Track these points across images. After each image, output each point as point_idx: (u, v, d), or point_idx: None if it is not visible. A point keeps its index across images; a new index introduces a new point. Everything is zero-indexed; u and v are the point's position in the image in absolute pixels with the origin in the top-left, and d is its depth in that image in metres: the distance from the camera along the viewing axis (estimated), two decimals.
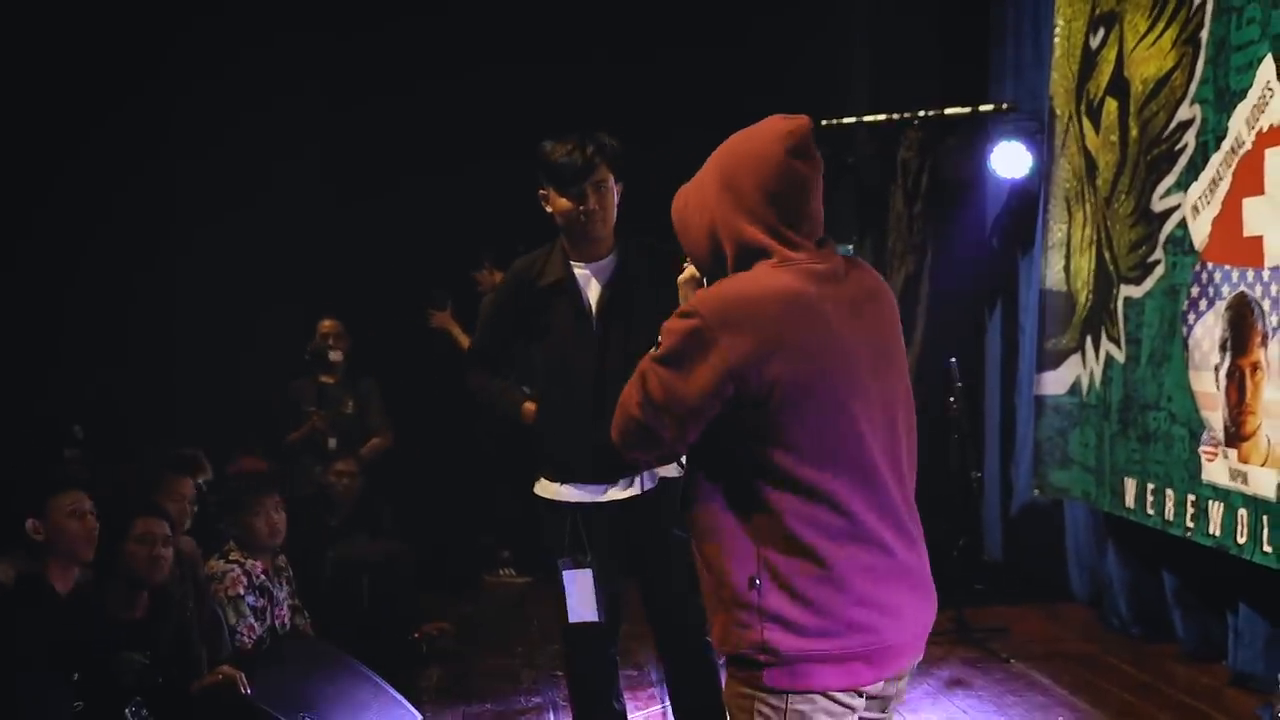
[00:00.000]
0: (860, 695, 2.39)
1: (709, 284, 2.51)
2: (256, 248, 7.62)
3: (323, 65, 7.81)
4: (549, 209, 3.82)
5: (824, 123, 7.29)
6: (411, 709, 4.77)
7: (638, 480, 3.84)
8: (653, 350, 2.41)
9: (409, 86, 7.77)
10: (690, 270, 2.59)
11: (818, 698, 2.34)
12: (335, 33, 7.78)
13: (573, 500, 3.88)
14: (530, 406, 3.97)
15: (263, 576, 4.86)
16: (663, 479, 3.83)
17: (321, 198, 7.87)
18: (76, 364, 7.41)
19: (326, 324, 7.26)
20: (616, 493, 3.85)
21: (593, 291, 3.86)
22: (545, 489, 3.95)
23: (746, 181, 2.40)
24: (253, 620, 4.72)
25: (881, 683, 2.42)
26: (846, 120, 7.29)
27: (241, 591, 4.74)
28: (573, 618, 3.83)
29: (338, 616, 5.62)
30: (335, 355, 7.19)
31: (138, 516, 4.09)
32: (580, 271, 3.87)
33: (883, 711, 2.50)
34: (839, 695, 2.36)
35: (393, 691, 4.77)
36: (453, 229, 7.66)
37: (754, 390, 2.30)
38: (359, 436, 7.19)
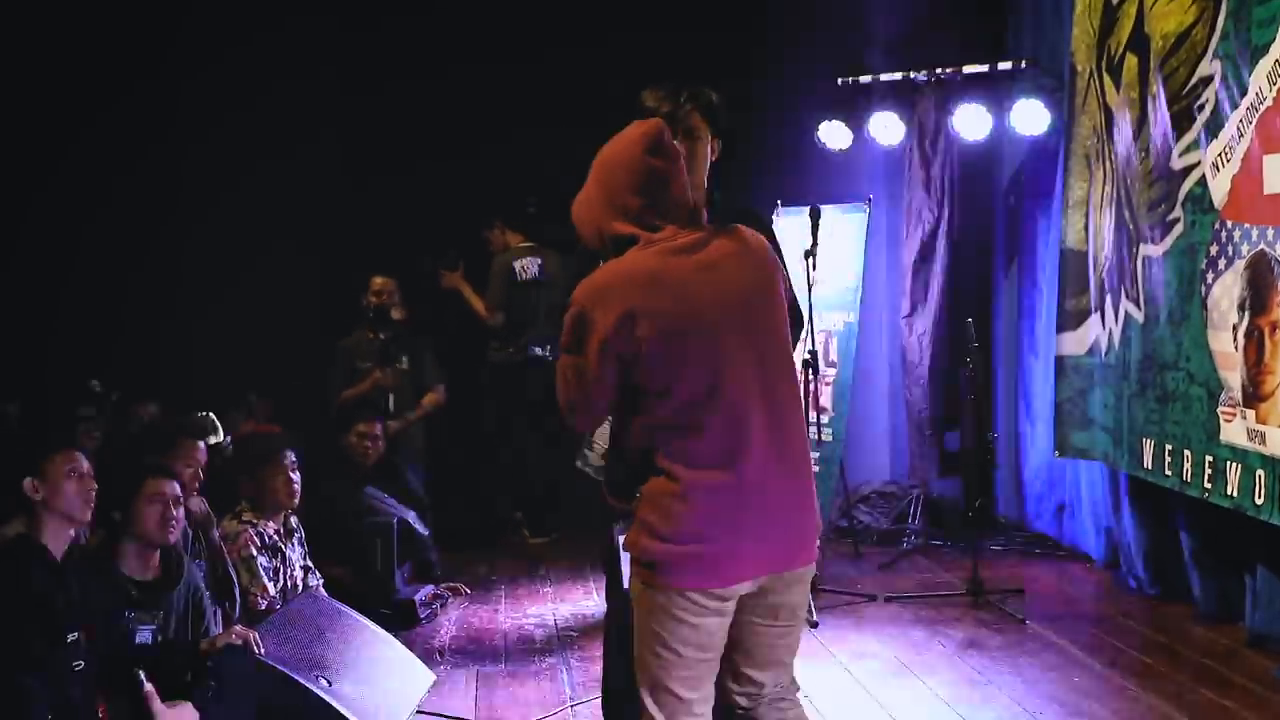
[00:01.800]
0: (715, 597, 2.85)
1: None
2: (272, 212, 7.65)
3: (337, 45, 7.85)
4: None
5: (840, 81, 7.25)
6: (426, 668, 4.79)
7: None
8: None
9: (439, 70, 7.81)
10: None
11: (674, 595, 2.84)
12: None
13: None
14: None
15: (275, 537, 4.88)
16: None
17: (335, 162, 7.90)
18: (99, 329, 7.45)
19: (378, 281, 7.23)
20: None
21: None
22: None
23: (614, 183, 2.93)
24: (265, 580, 4.75)
25: (741, 585, 2.87)
26: (864, 79, 7.24)
27: (254, 552, 4.76)
28: (627, 583, 3.77)
29: (353, 576, 5.65)
30: (398, 313, 7.19)
31: (148, 477, 4.08)
32: None
33: (773, 617, 2.96)
34: (693, 595, 2.84)
35: (407, 651, 4.80)
36: (464, 193, 7.66)
37: (627, 350, 2.82)
38: (413, 394, 7.20)
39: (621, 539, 3.06)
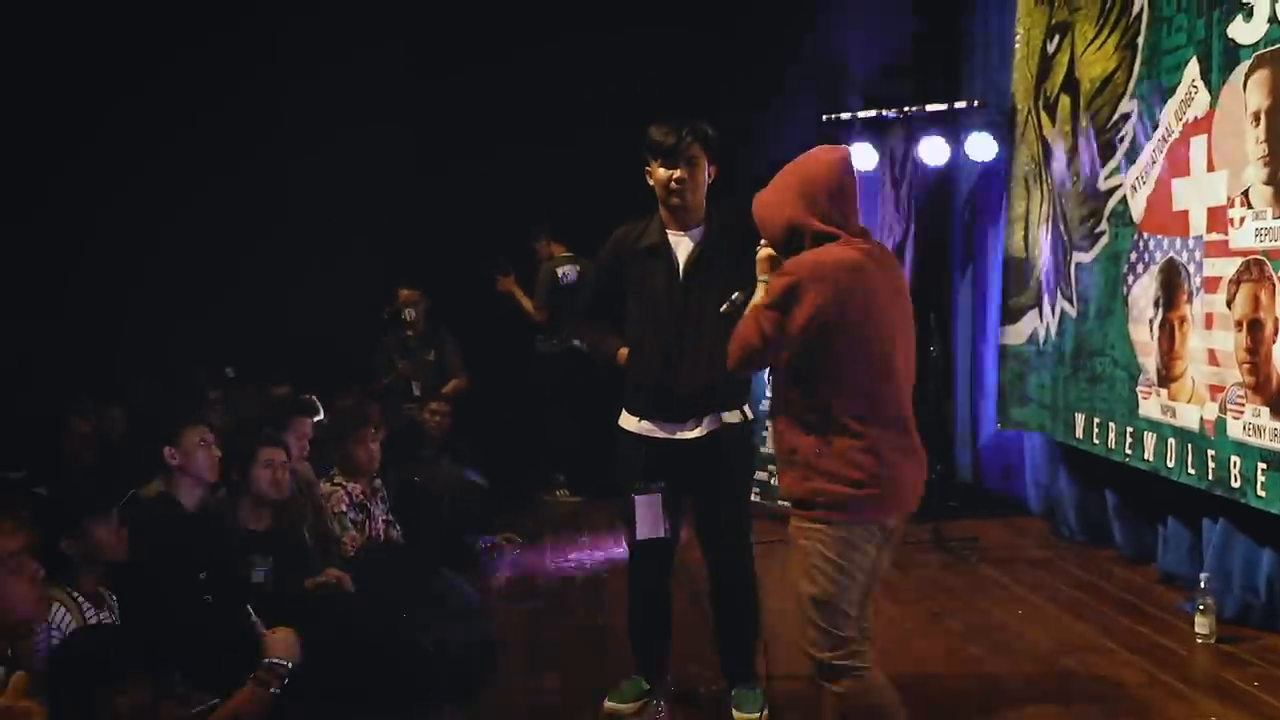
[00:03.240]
0: (884, 529, 3.00)
1: (783, 259, 3.04)
2: (347, 217, 7.53)
3: (406, 29, 7.55)
4: (650, 181, 3.81)
5: (824, 117, 7.27)
6: (483, 608, 4.80)
7: (705, 421, 3.79)
8: (759, 299, 3.00)
9: (504, 54, 7.55)
10: (767, 250, 3.11)
11: (856, 528, 2.96)
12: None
13: (649, 435, 3.83)
14: (624, 351, 3.90)
15: (361, 496, 4.87)
16: (725, 423, 3.80)
17: (404, 167, 7.73)
18: (216, 316, 7.31)
19: (405, 293, 7.35)
20: (686, 432, 3.79)
21: (682, 254, 3.80)
22: (627, 421, 3.89)
23: (814, 189, 2.99)
24: (355, 531, 4.75)
25: (893, 520, 3.03)
26: (844, 115, 7.26)
27: (344, 509, 4.77)
28: (640, 535, 3.78)
29: (425, 529, 5.67)
30: (409, 315, 7.29)
31: (262, 446, 4.12)
32: (674, 237, 3.82)
33: (888, 541, 3.06)
34: (871, 526, 2.98)
35: (471, 590, 4.82)
36: (513, 204, 7.61)
37: (833, 319, 2.89)
38: (439, 381, 7.27)
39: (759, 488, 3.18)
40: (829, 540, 2.95)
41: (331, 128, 7.35)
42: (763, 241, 3.13)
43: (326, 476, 4.90)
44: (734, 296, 3.29)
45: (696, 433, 3.80)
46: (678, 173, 3.72)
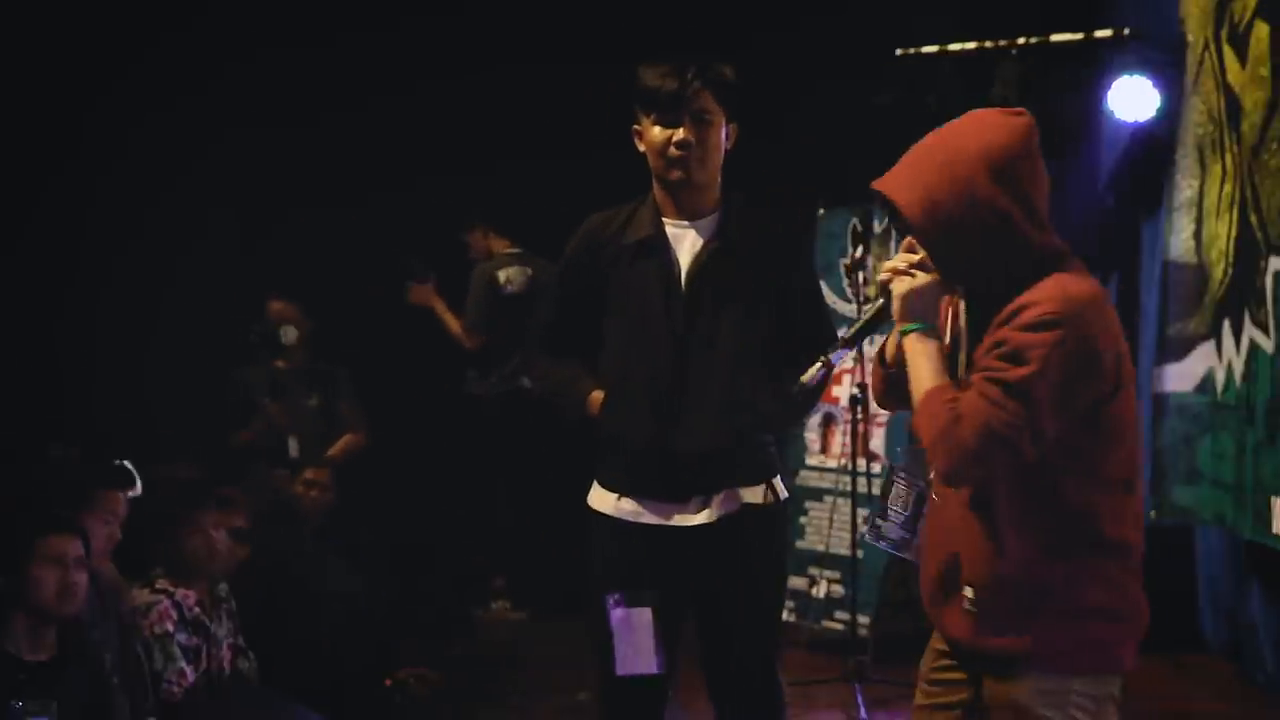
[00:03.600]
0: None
1: (962, 292, 3.02)
2: (181, 212, 7.71)
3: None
4: (641, 147, 3.85)
5: (899, 52, 7.26)
6: None
7: (717, 501, 3.80)
8: (1003, 364, 2.81)
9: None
10: (910, 282, 2.97)
11: (1119, 677, 2.99)
12: None
13: (633, 520, 3.85)
14: (598, 395, 3.92)
15: (197, 609, 4.83)
16: (745, 504, 3.81)
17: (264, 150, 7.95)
18: None
19: (277, 305, 7.33)
20: (689, 516, 3.81)
21: (685, 253, 3.84)
22: (602, 500, 3.91)
23: (1029, 185, 2.89)
24: (184, 664, 4.69)
25: None
26: (927, 49, 7.25)
27: (171, 628, 4.70)
28: (622, 669, 3.78)
29: (293, 659, 5.62)
30: (289, 335, 7.19)
31: (46, 533, 4.06)
32: (674, 229, 3.85)
33: None
34: (1125, 674, 3.01)
35: None
36: (432, 189, 7.69)
37: (1109, 390, 2.85)
38: (325, 435, 7.22)
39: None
40: (1088, 706, 2.95)
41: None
42: (891, 262, 3.04)
43: (145, 580, 4.83)
44: (820, 361, 3.21)
45: (703, 517, 3.81)
46: (680, 133, 3.74)
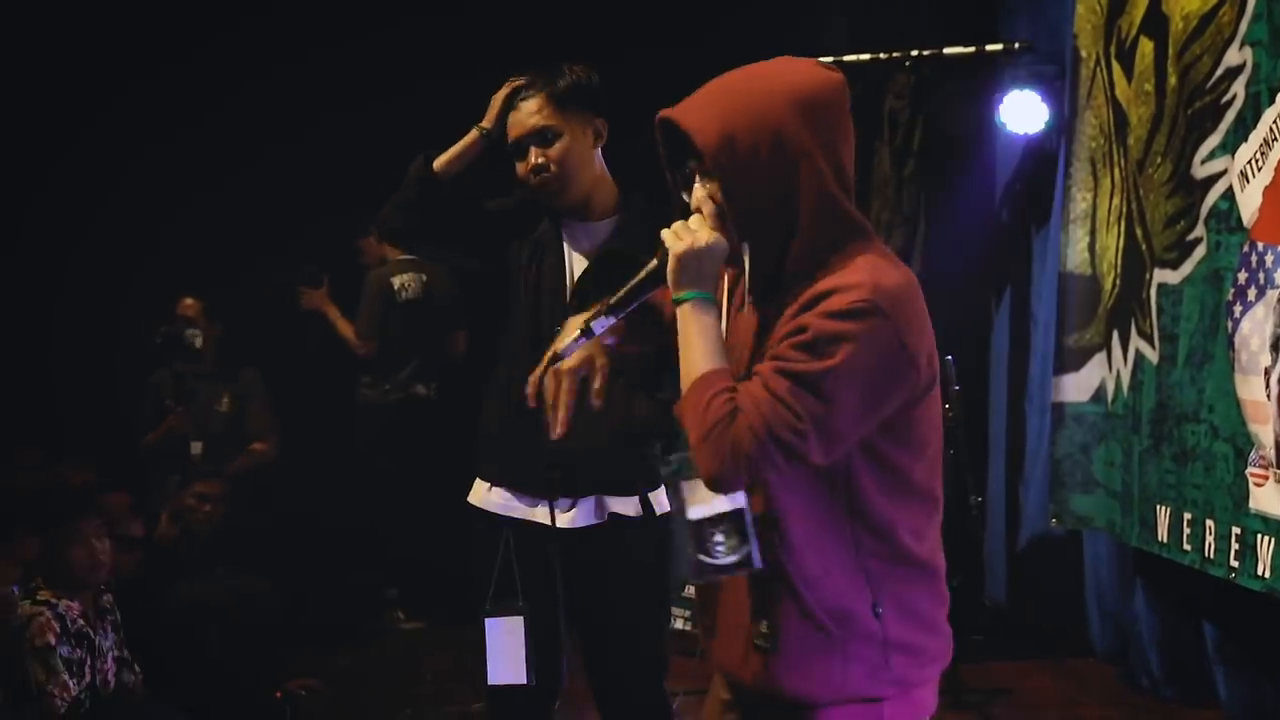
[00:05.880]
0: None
1: (750, 272, 2.59)
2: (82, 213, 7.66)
3: None
4: None
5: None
6: None
7: (585, 506, 3.78)
8: (799, 354, 2.44)
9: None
10: (691, 238, 2.58)
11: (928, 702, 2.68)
12: None
13: (501, 511, 3.83)
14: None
15: (80, 621, 4.76)
16: (614, 514, 3.80)
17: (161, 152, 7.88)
18: None
19: (188, 301, 7.28)
20: (559, 516, 3.76)
21: (578, 257, 3.84)
22: (474, 493, 3.91)
23: (836, 137, 2.55)
24: (67, 677, 4.62)
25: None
26: (821, 60, 7.26)
27: (53, 641, 4.63)
28: (493, 678, 3.77)
29: (180, 671, 5.57)
30: (194, 338, 7.12)
31: None
32: (572, 231, 3.85)
33: None
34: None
35: None
36: (326, 191, 7.66)
37: (924, 390, 2.54)
38: (233, 442, 7.16)
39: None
40: None
41: None
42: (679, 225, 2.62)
43: (25, 591, 4.76)
44: (581, 329, 2.79)
45: (568, 519, 3.80)
46: (530, 159, 3.78)
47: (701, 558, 2.59)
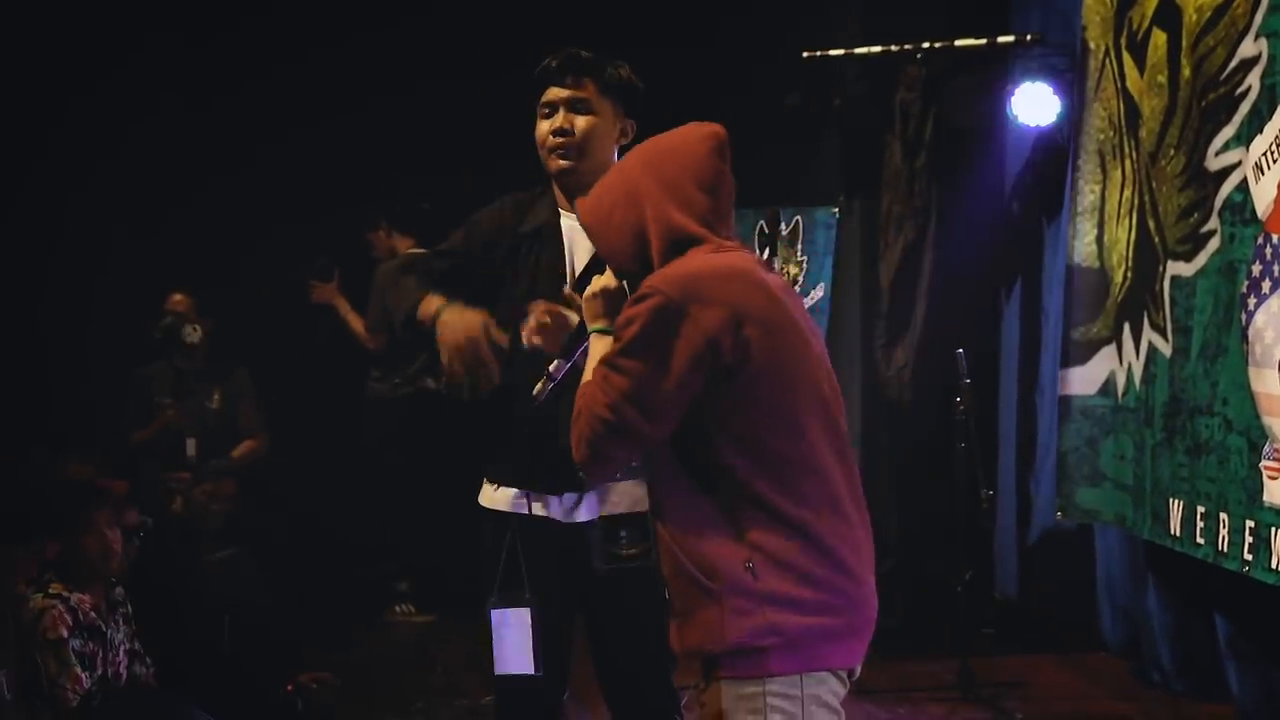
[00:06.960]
0: (849, 676, 2.90)
1: (630, 287, 2.99)
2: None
3: None
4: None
5: (805, 55, 7.27)
6: None
7: (589, 501, 3.75)
8: (614, 345, 2.85)
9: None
10: (604, 281, 3.08)
11: (827, 676, 2.83)
12: None
13: (508, 509, 3.81)
14: (435, 304, 3.72)
15: (92, 614, 4.75)
16: (619, 511, 3.70)
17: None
18: None
19: (177, 297, 7.27)
20: (573, 513, 3.76)
21: (580, 248, 3.79)
22: (484, 494, 3.90)
23: (678, 175, 2.96)
24: (79, 669, 4.61)
25: (859, 664, 2.93)
26: (833, 52, 7.27)
27: (65, 634, 4.62)
28: (500, 668, 3.76)
29: (192, 664, 5.57)
30: (191, 334, 7.12)
31: None
32: (569, 221, 3.80)
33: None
34: (841, 674, 2.86)
35: None
36: (338, 183, 7.64)
37: (728, 359, 2.78)
38: (224, 438, 7.15)
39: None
40: (767, 707, 2.79)
41: None
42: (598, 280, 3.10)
43: (37, 584, 4.74)
44: (549, 367, 3.28)
45: (574, 514, 3.77)
46: (558, 120, 3.78)
47: (609, 548, 3.30)
